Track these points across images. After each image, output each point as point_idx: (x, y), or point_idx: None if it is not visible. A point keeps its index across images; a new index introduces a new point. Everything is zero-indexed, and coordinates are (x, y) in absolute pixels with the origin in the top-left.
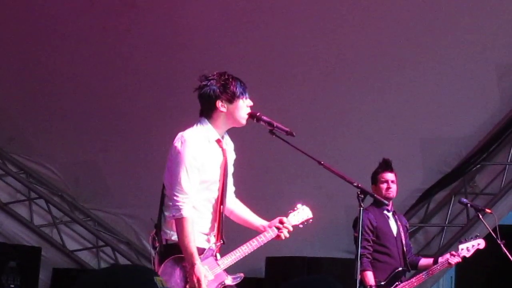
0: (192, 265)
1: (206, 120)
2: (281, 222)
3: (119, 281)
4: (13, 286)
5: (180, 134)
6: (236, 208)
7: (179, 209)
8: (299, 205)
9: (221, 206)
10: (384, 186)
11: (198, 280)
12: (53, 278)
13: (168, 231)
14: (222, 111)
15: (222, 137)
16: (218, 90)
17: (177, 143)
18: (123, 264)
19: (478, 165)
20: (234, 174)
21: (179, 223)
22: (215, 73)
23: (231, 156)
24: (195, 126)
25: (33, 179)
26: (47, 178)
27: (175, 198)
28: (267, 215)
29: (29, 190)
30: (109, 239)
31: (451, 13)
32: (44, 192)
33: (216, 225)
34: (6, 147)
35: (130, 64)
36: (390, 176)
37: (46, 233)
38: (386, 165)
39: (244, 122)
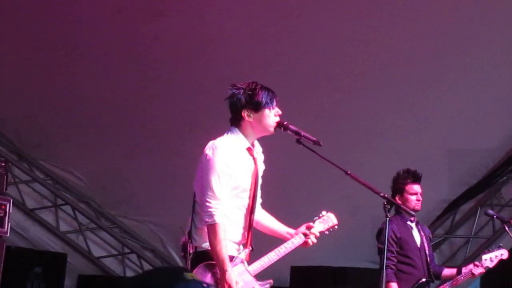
0: (224, 271)
1: (236, 128)
2: (308, 228)
3: (152, 283)
4: None
5: (211, 142)
6: (262, 218)
7: (211, 215)
8: (324, 212)
9: (251, 215)
10: (414, 198)
11: (230, 287)
12: (79, 285)
13: (198, 239)
14: (248, 120)
15: (253, 146)
16: (244, 99)
17: (208, 150)
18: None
19: (505, 177)
20: (262, 186)
21: (212, 229)
22: (246, 82)
23: (261, 166)
24: (225, 134)
25: (60, 186)
26: (74, 185)
27: (207, 204)
28: (293, 225)
29: (55, 196)
30: (134, 246)
31: (478, 23)
32: (71, 199)
33: (246, 233)
34: (34, 153)
35: (158, 72)
36: (419, 188)
37: (72, 239)
38: (416, 177)
39: (272, 130)
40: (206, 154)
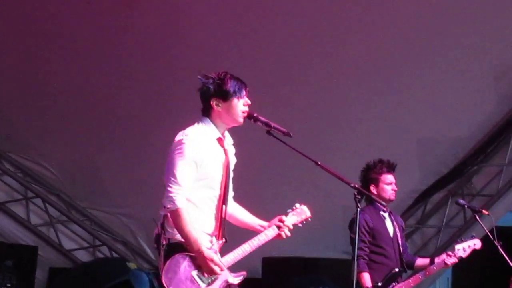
0: (200, 252)
1: (207, 118)
2: (281, 221)
3: (95, 273)
4: (9, 285)
5: (181, 131)
6: (235, 211)
7: (172, 201)
8: (297, 205)
9: (223, 205)
10: (389, 188)
11: (212, 261)
12: (50, 278)
13: (171, 230)
14: (217, 110)
15: (224, 137)
16: (212, 88)
17: (178, 137)
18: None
19: (475, 167)
20: (233, 179)
21: (175, 214)
22: (216, 72)
23: (233, 159)
24: (196, 124)
25: (30, 178)
26: (44, 177)
27: (168, 189)
28: (265, 216)
29: (26, 189)
30: (105, 239)
31: (448, 15)
32: (41, 191)
33: (218, 224)
34: (3, 145)
35: (128, 63)
36: (393, 178)
37: (43, 232)
38: (391, 167)
39: (240, 120)
40: (176, 141)
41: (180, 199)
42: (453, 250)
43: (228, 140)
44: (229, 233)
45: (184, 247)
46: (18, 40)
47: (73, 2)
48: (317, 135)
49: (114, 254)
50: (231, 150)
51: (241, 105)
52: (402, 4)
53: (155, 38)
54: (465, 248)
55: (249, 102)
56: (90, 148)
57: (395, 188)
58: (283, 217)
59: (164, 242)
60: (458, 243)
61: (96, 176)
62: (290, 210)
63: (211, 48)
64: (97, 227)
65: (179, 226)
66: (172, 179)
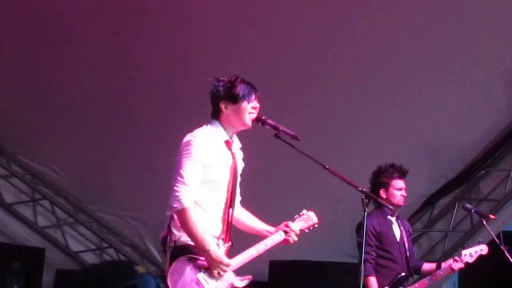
0: (207, 251)
1: (216, 121)
2: (287, 227)
3: (102, 276)
4: (16, 287)
5: (189, 133)
6: (242, 216)
7: (179, 200)
8: (304, 211)
9: (230, 209)
10: (399, 193)
11: (219, 261)
12: (57, 280)
13: (177, 232)
14: (226, 113)
15: (232, 140)
16: (222, 91)
17: (187, 138)
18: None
19: (483, 171)
20: (241, 183)
21: (181, 214)
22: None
23: (240, 163)
24: (204, 126)
25: (38, 180)
26: (52, 180)
27: (175, 188)
28: (272, 220)
29: (33, 191)
30: (113, 241)
31: (457, 21)
32: (49, 193)
33: (225, 228)
34: (12, 148)
35: (138, 68)
36: (403, 184)
37: (50, 234)
38: (403, 173)
39: (249, 123)
40: (184, 142)
41: (187, 198)
42: (459, 255)
43: (236, 144)
44: (235, 237)
45: (191, 250)
46: (30, 45)
47: (83, 7)
48: (325, 139)
49: (122, 257)
50: (239, 154)
51: (249, 108)
52: (413, 11)
53: (166, 44)
54: (471, 253)
55: (258, 105)
56: (99, 151)
57: (405, 194)
58: (290, 223)
59: (171, 244)
60: (465, 248)
61: (104, 178)
62: (297, 216)
63: (220, 52)
64: (104, 230)
65: (186, 225)
66: (179, 179)
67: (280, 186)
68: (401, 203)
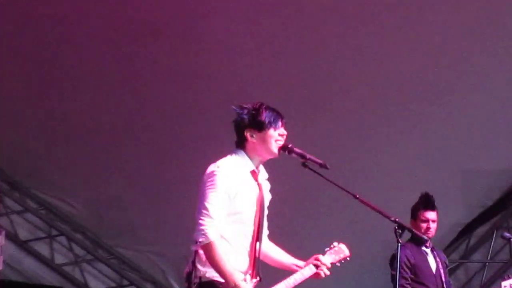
0: (235, 286)
1: (241, 150)
2: (317, 260)
3: None
4: None
5: (213, 163)
6: (269, 250)
7: (205, 234)
8: (335, 243)
9: (257, 242)
10: (424, 225)
11: None
12: None
13: (202, 268)
14: (251, 141)
15: (258, 170)
16: (247, 119)
17: (210, 169)
18: None
19: None
20: (268, 216)
21: (207, 248)
22: (252, 102)
23: (267, 195)
24: (229, 156)
25: (54, 216)
26: (69, 215)
27: (200, 221)
28: (300, 252)
29: (49, 227)
30: (134, 278)
31: (493, 38)
32: (66, 229)
33: (252, 262)
34: (26, 182)
35: (156, 96)
36: (431, 215)
37: (68, 272)
38: (427, 203)
39: (275, 151)
40: (208, 173)
41: (213, 232)
42: (499, 287)
43: (263, 175)
44: (263, 272)
45: (217, 286)
46: (42, 73)
47: (99, 31)
48: (354, 167)
49: None
50: (266, 185)
51: (276, 135)
52: (439, 29)
53: (183, 70)
54: None
55: (285, 132)
56: (117, 184)
57: (430, 226)
58: (320, 256)
59: (196, 281)
60: (504, 279)
61: (123, 212)
62: (328, 248)
63: (241, 79)
64: (124, 266)
65: (213, 260)
66: (204, 211)
67: (308, 217)
68: (428, 236)
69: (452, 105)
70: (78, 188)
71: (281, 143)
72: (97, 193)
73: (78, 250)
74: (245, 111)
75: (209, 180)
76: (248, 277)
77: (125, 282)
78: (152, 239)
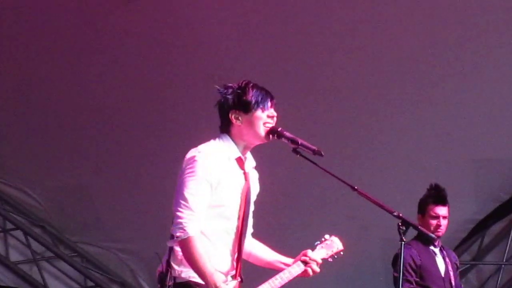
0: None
1: (226, 135)
2: (306, 256)
3: None
4: None
5: (194, 148)
6: (254, 248)
7: (182, 228)
8: (326, 236)
9: (241, 240)
10: (434, 222)
11: None
12: None
13: (178, 267)
14: (237, 124)
15: (245, 157)
16: (232, 100)
17: (190, 154)
18: None
19: None
20: (254, 211)
21: (185, 245)
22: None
23: (255, 186)
24: (212, 141)
25: (9, 207)
26: (26, 206)
27: (178, 214)
28: (291, 251)
29: (4, 219)
30: (99, 279)
31: (508, 23)
32: (23, 223)
33: (234, 262)
34: None
35: (125, 74)
36: (442, 210)
37: (25, 271)
38: (439, 198)
39: (263, 135)
40: (187, 159)
41: (193, 226)
42: None
43: (250, 163)
44: (245, 270)
45: None
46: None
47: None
48: (353, 155)
49: None
50: (253, 175)
51: (265, 117)
52: (450, 10)
53: (153, 46)
54: None
55: (275, 114)
56: (82, 172)
57: (441, 223)
58: (309, 251)
59: (170, 283)
60: None
61: (89, 205)
62: (318, 242)
63: (223, 58)
64: (89, 265)
65: (191, 258)
66: (183, 202)
67: (299, 210)
68: (438, 234)
69: (464, 88)
70: (37, 176)
71: (271, 125)
72: (59, 182)
73: (36, 246)
74: (230, 91)
75: (188, 166)
76: (230, 278)
77: (90, 283)
78: (120, 235)
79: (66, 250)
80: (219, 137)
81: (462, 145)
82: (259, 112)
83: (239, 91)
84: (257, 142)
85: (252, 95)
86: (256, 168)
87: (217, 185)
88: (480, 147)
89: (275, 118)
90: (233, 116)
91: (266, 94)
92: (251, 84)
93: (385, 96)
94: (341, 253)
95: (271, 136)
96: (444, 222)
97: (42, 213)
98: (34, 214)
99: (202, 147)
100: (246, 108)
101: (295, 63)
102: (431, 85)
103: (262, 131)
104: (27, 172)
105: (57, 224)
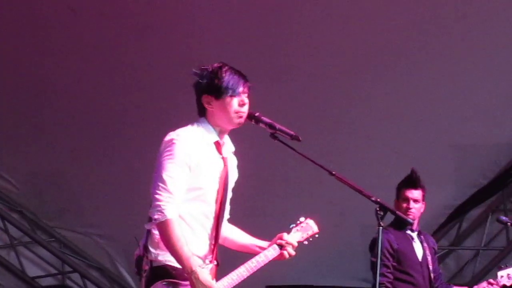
0: (193, 272)
1: (204, 119)
2: (282, 239)
3: None
4: None
5: (172, 131)
6: (229, 232)
7: (161, 211)
8: (302, 219)
9: (219, 224)
10: (404, 205)
11: (207, 285)
12: None
13: (154, 251)
14: (210, 109)
15: (223, 142)
16: (204, 83)
17: (169, 137)
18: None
19: None
20: (231, 199)
21: (163, 227)
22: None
23: (233, 171)
24: (190, 125)
25: None
26: (4, 191)
27: (156, 196)
28: (268, 236)
29: None
30: (77, 264)
31: (487, 9)
32: (0, 208)
33: (211, 246)
34: None
35: (103, 56)
36: (413, 193)
37: (2, 256)
38: (410, 181)
39: (235, 121)
40: (165, 141)
41: (171, 209)
42: (495, 277)
43: (229, 147)
44: (221, 254)
45: (170, 272)
46: None
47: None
48: (331, 140)
49: (87, 283)
50: (232, 160)
51: (235, 104)
52: None
53: (130, 27)
54: (510, 275)
55: (247, 101)
56: (59, 156)
57: (411, 206)
58: (285, 234)
59: (146, 267)
60: (501, 269)
61: (67, 189)
62: (294, 225)
63: (205, 40)
64: (67, 250)
65: (168, 241)
66: (161, 185)
67: (276, 195)
68: (407, 216)
69: (443, 72)
70: (14, 161)
71: (243, 114)
72: (36, 167)
73: (13, 231)
74: (204, 73)
75: (167, 149)
76: (207, 262)
77: (68, 269)
78: (99, 220)
79: (43, 235)
80: (197, 121)
81: (441, 131)
82: (229, 99)
83: (211, 75)
84: (230, 127)
85: (224, 80)
86: (233, 153)
87: (195, 168)
88: (459, 133)
89: (246, 106)
90: (205, 101)
91: (239, 79)
92: (225, 68)
93: (364, 82)
94: (317, 235)
95: (248, 120)
96: (415, 205)
97: (20, 198)
98: (11, 199)
99: (180, 130)
100: (217, 93)
101: (273, 47)
102: (410, 71)
103: (232, 116)
104: (4, 156)
105: (35, 209)
